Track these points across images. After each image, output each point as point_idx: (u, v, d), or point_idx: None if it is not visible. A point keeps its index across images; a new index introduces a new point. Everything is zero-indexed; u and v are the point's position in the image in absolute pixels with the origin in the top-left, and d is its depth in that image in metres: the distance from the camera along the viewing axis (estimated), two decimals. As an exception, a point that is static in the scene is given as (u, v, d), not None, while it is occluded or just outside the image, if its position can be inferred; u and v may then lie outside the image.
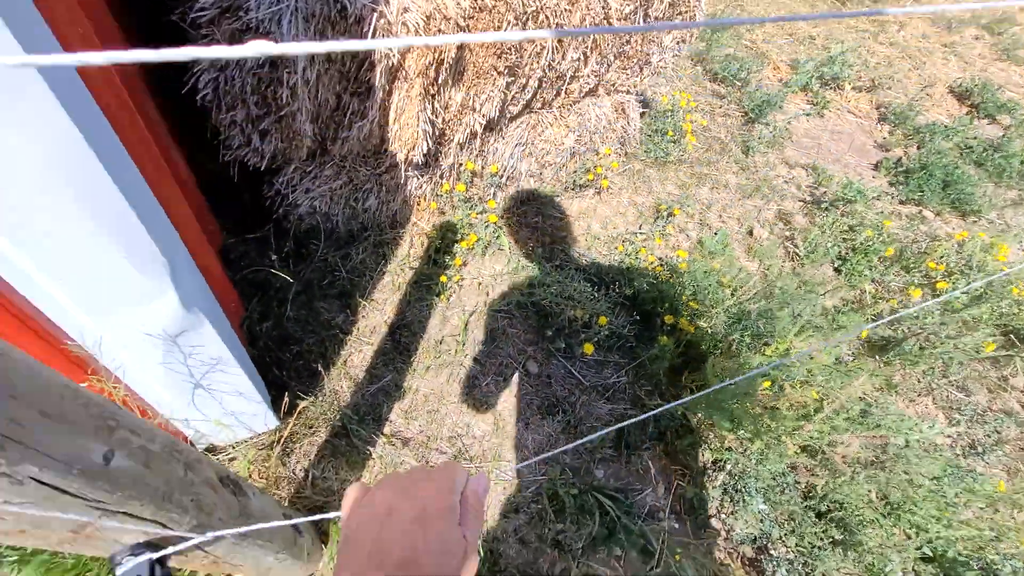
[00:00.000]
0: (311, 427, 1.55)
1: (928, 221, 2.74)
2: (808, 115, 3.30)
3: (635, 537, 1.51)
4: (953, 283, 2.23)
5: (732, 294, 1.87)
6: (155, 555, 0.61)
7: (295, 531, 1.15)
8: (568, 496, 1.52)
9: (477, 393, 1.72)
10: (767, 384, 1.57)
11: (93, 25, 0.94)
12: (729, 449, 1.66)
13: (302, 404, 1.53)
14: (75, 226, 0.73)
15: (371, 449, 1.53)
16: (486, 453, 1.62)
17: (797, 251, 2.40)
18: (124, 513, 0.54)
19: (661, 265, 2.05)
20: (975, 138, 3.21)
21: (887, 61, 3.88)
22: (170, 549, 0.63)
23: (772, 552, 1.52)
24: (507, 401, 1.73)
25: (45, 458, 0.42)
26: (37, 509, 0.44)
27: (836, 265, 2.39)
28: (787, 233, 2.52)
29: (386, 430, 1.60)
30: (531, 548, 1.47)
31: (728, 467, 1.64)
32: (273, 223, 1.88)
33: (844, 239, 2.46)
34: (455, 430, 1.65)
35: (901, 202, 2.84)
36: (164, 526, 0.62)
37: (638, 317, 1.90)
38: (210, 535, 0.65)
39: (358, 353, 1.75)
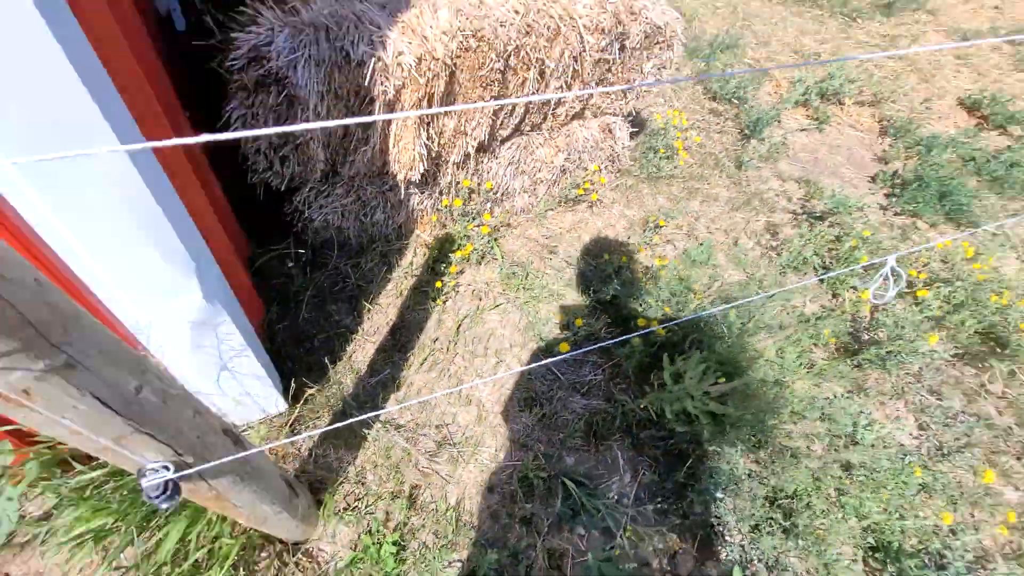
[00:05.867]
0: (316, 412, 1.79)
1: (922, 232, 2.78)
2: (806, 130, 3.38)
3: (598, 518, 1.66)
4: (935, 292, 2.29)
5: (697, 298, 2.01)
6: (171, 476, 0.84)
7: (291, 491, 1.37)
8: (537, 479, 1.70)
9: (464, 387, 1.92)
10: (722, 379, 1.70)
11: (155, 90, 1.23)
12: (696, 443, 1.79)
13: (309, 391, 1.77)
14: (132, 239, 1.00)
15: (367, 432, 1.76)
16: (468, 440, 1.81)
17: (780, 260, 2.50)
18: (148, 434, 0.77)
19: (644, 273, 2.21)
20: (979, 149, 3.21)
21: (894, 75, 3.91)
22: (181, 473, 0.85)
23: (727, 537, 1.64)
24: (491, 395, 1.93)
25: (99, 381, 0.65)
26: (93, 415, 0.67)
27: (820, 275, 2.48)
28: (773, 243, 2.63)
29: (382, 417, 1.82)
30: (501, 524, 1.65)
31: (690, 461, 1.77)
32: (293, 236, 2.16)
33: (829, 249, 2.55)
34: (443, 419, 1.86)
35: (896, 214, 2.89)
36: (176, 452, 0.85)
37: (611, 320, 2.06)
38: (210, 465, 0.88)
39: (362, 350, 1.99)
